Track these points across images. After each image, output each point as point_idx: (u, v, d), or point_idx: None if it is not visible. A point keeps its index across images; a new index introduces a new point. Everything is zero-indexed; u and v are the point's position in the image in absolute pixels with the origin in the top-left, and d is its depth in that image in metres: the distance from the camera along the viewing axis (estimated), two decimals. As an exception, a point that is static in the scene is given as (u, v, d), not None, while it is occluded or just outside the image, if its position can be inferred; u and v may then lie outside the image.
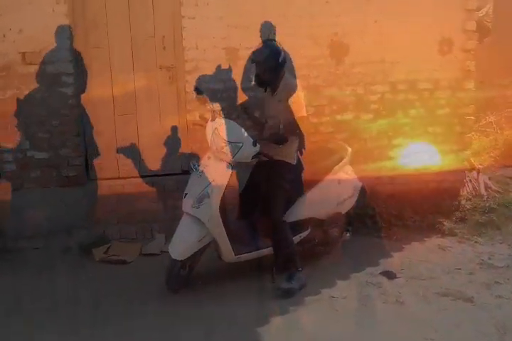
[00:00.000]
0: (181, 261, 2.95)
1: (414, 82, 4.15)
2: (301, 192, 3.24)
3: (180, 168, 4.09)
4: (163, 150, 4.05)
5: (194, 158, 3.38)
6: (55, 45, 3.67)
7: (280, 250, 3.08)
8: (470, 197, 4.47)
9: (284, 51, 3.12)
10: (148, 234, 3.93)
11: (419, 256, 3.56)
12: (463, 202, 4.33)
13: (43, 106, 3.76)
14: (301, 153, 3.27)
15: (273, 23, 3.85)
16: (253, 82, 3.16)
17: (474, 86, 4.25)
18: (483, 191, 4.62)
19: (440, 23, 4.08)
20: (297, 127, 3.07)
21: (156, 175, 4.04)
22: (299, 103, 3.05)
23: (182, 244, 2.93)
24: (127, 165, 4.01)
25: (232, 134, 2.92)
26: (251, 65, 3.20)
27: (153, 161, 4.04)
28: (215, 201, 2.92)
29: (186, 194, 3.01)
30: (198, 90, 3.16)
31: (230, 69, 3.91)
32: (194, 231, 2.95)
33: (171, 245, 2.97)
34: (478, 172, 4.77)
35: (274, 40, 3.31)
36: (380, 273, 3.30)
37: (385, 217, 4.04)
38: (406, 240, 3.81)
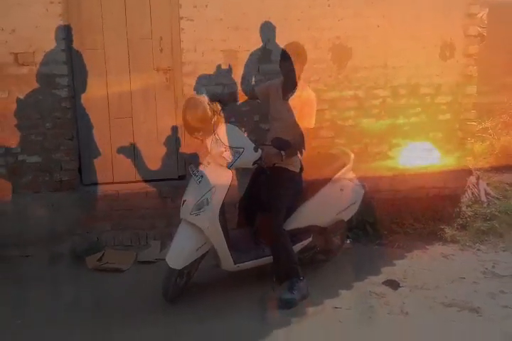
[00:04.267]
0: (179, 270, 2.84)
1: (415, 86, 4.10)
2: (303, 199, 3.14)
3: (176, 173, 4.00)
4: (160, 155, 3.95)
5: (192, 163, 3.28)
6: (48, 45, 3.57)
7: (280, 259, 2.99)
8: (470, 203, 4.43)
9: None
10: (144, 240, 3.82)
11: (422, 265, 3.49)
12: (464, 208, 4.29)
13: (35, 108, 3.65)
14: (301, 153, 3.16)
15: (273, 24, 3.77)
16: (253, 82, 3.03)
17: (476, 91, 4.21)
18: (483, 197, 4.58)
19: (442, 28, 4.04)
20: (303, 137, 2.98)
21: (151, 180, 3.93)
22: (310, 114, 2.95)
23: (180, 252, 2.83)
24: (122, 169, 3.91)
25: (233, 139, 2.83)
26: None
27: (149, 166, 3.94)
28: (215, 208, 2.82)
29: (185, 200, 2.90)
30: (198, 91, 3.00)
31: (229, 72, 3.82)
32: (192, 239, 2.84)
33: (168, 254, 2.86)
34: (478, 179, 4.73)
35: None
36: (383, 283, 3.22)
37: (386, 224, 3.97)
38: (408, 248, 3.75)
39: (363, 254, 3.64)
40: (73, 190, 3.78)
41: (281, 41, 3.73)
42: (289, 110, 3.01)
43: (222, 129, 2.87)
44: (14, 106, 3.61)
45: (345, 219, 3.38)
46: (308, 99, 2.98)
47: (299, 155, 3.09)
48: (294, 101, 3.01)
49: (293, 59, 2.95)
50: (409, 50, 3.98)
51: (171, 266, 2.82)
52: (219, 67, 3.80)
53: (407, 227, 3.99)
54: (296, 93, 3.02)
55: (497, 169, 5.26)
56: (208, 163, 2.90)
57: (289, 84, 3.05)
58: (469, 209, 4.30)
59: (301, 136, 2.97)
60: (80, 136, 3.84)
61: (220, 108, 3.22)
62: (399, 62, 4.00)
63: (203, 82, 3.77)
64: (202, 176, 2.86)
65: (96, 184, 3.89)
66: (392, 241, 3.83)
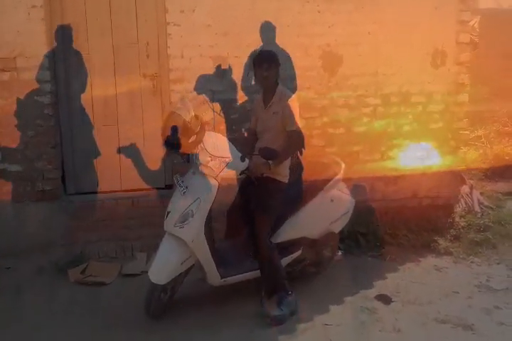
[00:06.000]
0: (162, 285, 2.72)
1: (407, 94, 4.04)
2: (293, 210, 3.05)
3: (163, 182, 3.89)
4: (146, 164, 3.84)
5: (178, 172, 3.18)
6: (31, 51, 3.46)
7: (268, 274, 2.88)
8: (464, 213, 4.37)
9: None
10: (129, 252, 3.71)
11: (415, 278, 3.40)
12: (457, 219, 4.23)
13: (17, 115, 3.53)
14: (301, 153, 3.12)
15: (273, 24, 3.70)
16: (253, 82, 2.96)
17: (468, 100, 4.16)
18: (477, 208, 4.52)
19: (433, 35, 3.99)
20: (293, 142, 2.90)
21: (138, 189, 3.83)
22: (292, 115, 2.87)
23: (163, 267, 2.71)
24: (107, 178, 3.80)
25: (219, 148, 2.73)
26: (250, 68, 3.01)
27: (136, 175, 3.83)
28: (200, 220, 2.71)
29: (169, 212, 2.79)
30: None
31: (217, 79, 3.74)
32: (176, 252, 2.73)
33: (151, 268, 2.74)
34: (472, 188, 4.67)
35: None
36: (375, 297, 3.12)
37: (379, 235, 3.89)
38: (401, 260, 3.66)
39: (354, 267, 3.54)
40: (56, 200, 3.67)
41: (271, 47, 3.67)
42: (274, 118, 2.93)
43: (208, 138, 2.77)
44: (-6, 113, 3.50)
45: (336, 231, 3.29)
46: (286, 102, 2.90)
47: (288, 164, 2.99)
48: (275, 106, 2.94)
49: (266, 66, 2.86)
50: (401, 58, 3.93)
51: (153, 281, 2.70)
52: (207, 73, 3.71)
53: (400, 238, 3.91)
54: (275, 98, 2.95)
55: (490, 178, 5.20)
56: (194, 173, 2.80)
57: (268, 93, 2.99)
58: (463, 219, 4.25)
59: (292, 140, 2.88)
60: (63, 144, 3.73)
61: (220, 108, 3.13)
62: (390, 70, 3.94)
63: (191, 89, 3.69)
64: (187, 187, 2.76)
65: (80, 193, 3.79)
66: (385, 252, 3.75)
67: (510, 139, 6.18)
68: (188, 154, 2.79)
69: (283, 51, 3.70)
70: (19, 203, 3.60)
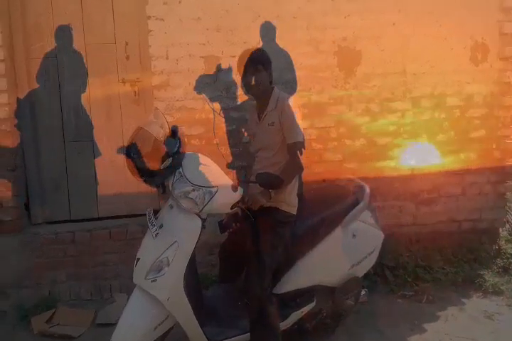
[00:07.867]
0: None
1: (441, 97, 3.41)
2: (303, 251, 2.36)
3: (148, 207, 3.25)
4: (127, 186, 3.20)
5: (163, 198, 2.57)
6: (-17, 55, 2.90)
7: (258, 337, 2.19)
8: (511, 237, 3.65)
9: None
10: (107, 293, 3.12)
11: (460, 330, 2.70)
12: (503, 245, 3.51)
13: (-33, 133, 2.96)
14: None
15: (273, 24, 3.11)
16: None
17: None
18: (526, 229, 3.80)
19: (472, 25, 3.37)
20: (296, 159, 2.25)
21: (117, 216, 3.24)
22: (291, 125, 2.23)
23: (129, 334, 2.05)
24: (80, 205, 3.23)
25: (202, 175, 2.07)
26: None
27: (114, 199, 3.24)
28: (178, 271, 2.04)
29: (139, 259, 2.13)
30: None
31: (210, 84, 3.11)
32: (148, 314, 2.06)
33: (114, 334, 2.08)
34: (517, 206, 3.95)
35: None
36: (412, 362, 2.43)
37: (410, 268, 3.23)
38: (440, 302, 2.99)
39: (382, 312, 2.87)
40: (18, 233, 3.08)
41: (274, 44, 3.07)
42: (270, 131, 2.28)
43: (188, 162, 2.12)
44: None
45: (360, 275, 2.58)
46: (282, 108, 2.26)
47: (295, 189, 2.32)
48: (270, 116, 2.30)
49: (252, 71, 2.25)
50: (433, 53, 3.33)
51: (117, 353, 2.04)
52: (197, 76, 3.09)
53: (436, 272, 3.25)
54: (270, 106, 2.31)
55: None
56: (171, 207, 2.14)
57: (262, 101, 2.35)
58: (510, 245, 3.53)
59: (294, 157, 2.24)
60: (27, 165, 3.14)
61: (220, 107, 2.73)
62: (420, 68, 3.34)
63: (178, 96, 3.07)
64: (161, 226, 2.10)
65: (48, 223, 3.21)
66: (418, 291, 3.09)
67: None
68: (163, 182, 2.13)
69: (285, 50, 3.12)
70: (-26, 237, 3.03)
